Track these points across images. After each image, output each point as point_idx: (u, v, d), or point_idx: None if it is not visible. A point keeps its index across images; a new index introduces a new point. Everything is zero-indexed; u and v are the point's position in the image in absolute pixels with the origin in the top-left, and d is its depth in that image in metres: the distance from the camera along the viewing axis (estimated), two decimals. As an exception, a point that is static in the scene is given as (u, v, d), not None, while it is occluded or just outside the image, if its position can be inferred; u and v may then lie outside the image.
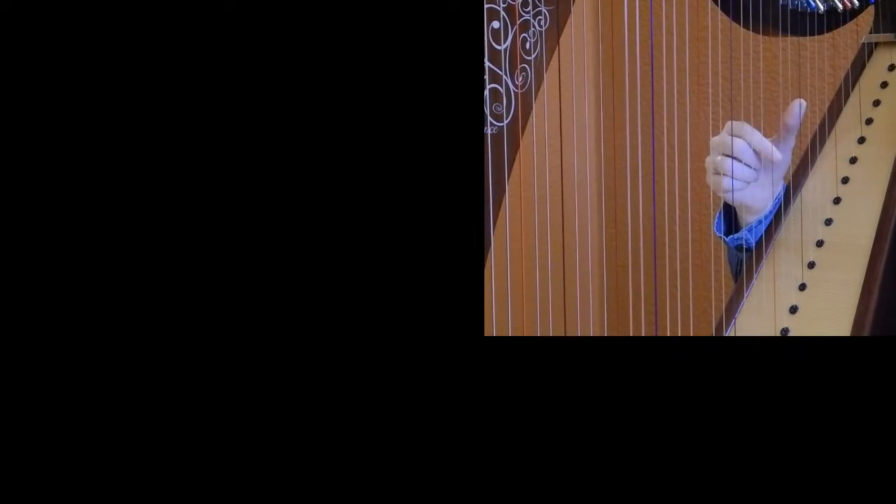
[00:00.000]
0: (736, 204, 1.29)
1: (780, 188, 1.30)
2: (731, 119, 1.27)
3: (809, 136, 1.36)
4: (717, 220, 1.33)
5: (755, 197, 1.28)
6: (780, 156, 1.25)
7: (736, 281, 1.38)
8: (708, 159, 1.28)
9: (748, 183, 1.26)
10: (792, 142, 1.29)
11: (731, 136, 1.25)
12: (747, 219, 1.30)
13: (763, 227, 1.30)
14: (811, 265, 1.27)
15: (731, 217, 1.33)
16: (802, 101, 1.26)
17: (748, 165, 1.25)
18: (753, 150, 1.25)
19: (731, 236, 1.31)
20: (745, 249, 1.31)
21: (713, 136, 1.29)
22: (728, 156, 1.25)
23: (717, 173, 1.26)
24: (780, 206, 1.30)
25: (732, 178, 1.25)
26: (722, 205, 1.32)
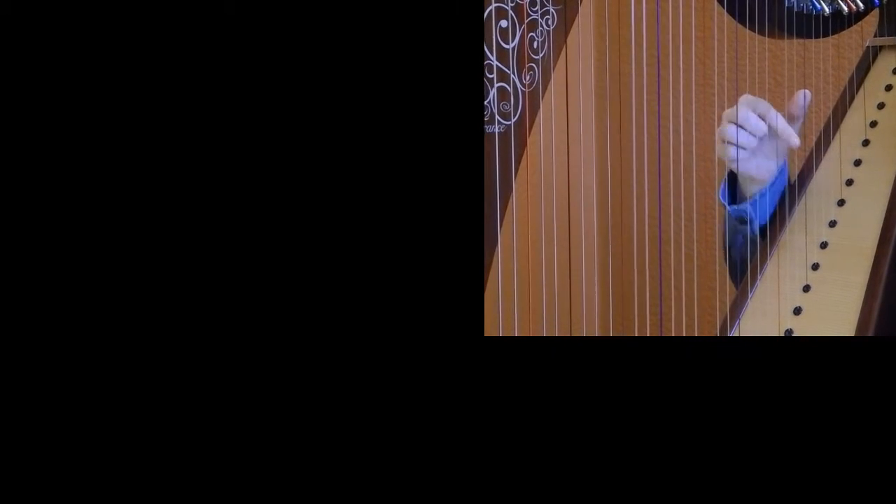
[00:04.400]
0: (740, 173, 1.30)
1: (783, 161, 1.31)
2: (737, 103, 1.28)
3: (814, 139, 1.36)
4: (721, 188, 1.34)
5: (759, 167, 1.29)
6: (783, 124, 1.27)
7: (726, 260, 1.38)
8: (718, 129, 1.29)
9: (747, 149, 1.27)
10: (797, 127, 1.29)
11: (739, 105, 1.26)
12: (751, 189, 1.31)
13: (766, 204, 1.30)
14: (815, 267, 1.27)
15: (734, 187, 1.34)
16: (807, 91, 1.27)
17: (752, 134, 1.26)
18: (759, 116, 1.26)
19: (733, 206, 1.32)
20: (747, 223, 1.31)
21: None
22: (734, 123, 1.27)
23: (724, 142, 1.28)
24: (784, 195, 1.30)
25: (738, 149, 1.26)
26: (727, 173, 1.33)
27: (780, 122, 1.27)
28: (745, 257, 1.33)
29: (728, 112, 1.29)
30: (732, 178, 1.33)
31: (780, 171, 1.31)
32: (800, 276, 1.27)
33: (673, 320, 1.31)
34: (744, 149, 1.27)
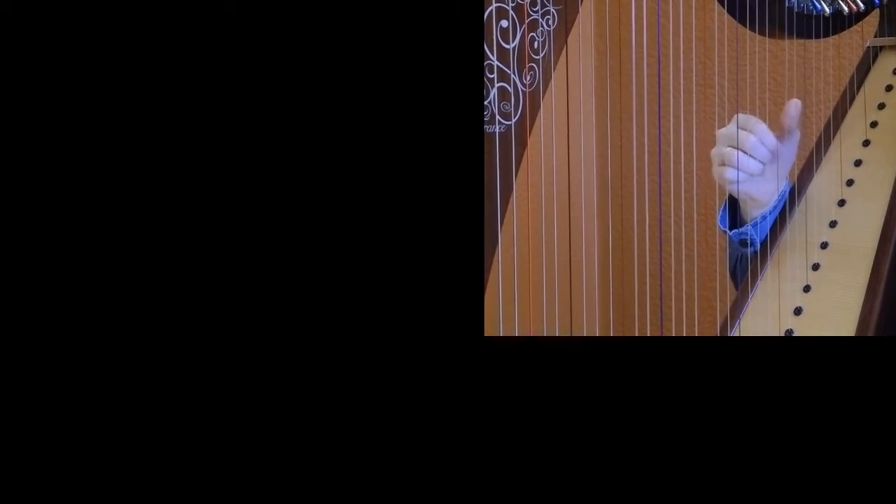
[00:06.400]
0: (740, 197, 1.29)
1: (784, 183, 1.30)
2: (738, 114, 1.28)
3: (814, 139, 1.36)
4: (721, 214, 1.33)
5: (760, 190, 1.28)
6: (784, 148, 1.26)
7: (733, 280, 1.38)
8: (714, 150, 1.28)
9: (753, 175, 1.26)
10: (796, 138, 1.29)
11: (739, 128, 1.25)
12: (752, 213, 1.30)
13: (767, 225, 1.30)
14: (815, 267, 1.27)
15: (734, 212, 1.33)
16: (797, 100, 1.26)
17: (754, 157, 1.25)
18: (760, 142, 1.25)
19: (734, 230, 1.31)
20: (749, 244, 1.31)
21: None
22: (734, 147, 1.25)
23: (722, 164, 1.26)
24: (784, 204, 1.30)
25: (738, 169, 1.25)
26: (727, 198, 1.32)
27: (762, 131, 1.26)
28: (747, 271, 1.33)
29: (724, 133, 1.27)
30: (732, 204, 1.33)
31: (781, 196, 1.30)
32: (800, 276, 1.27)
33: (673, 320, 1.31)
34: (749, 174, 1.26)
